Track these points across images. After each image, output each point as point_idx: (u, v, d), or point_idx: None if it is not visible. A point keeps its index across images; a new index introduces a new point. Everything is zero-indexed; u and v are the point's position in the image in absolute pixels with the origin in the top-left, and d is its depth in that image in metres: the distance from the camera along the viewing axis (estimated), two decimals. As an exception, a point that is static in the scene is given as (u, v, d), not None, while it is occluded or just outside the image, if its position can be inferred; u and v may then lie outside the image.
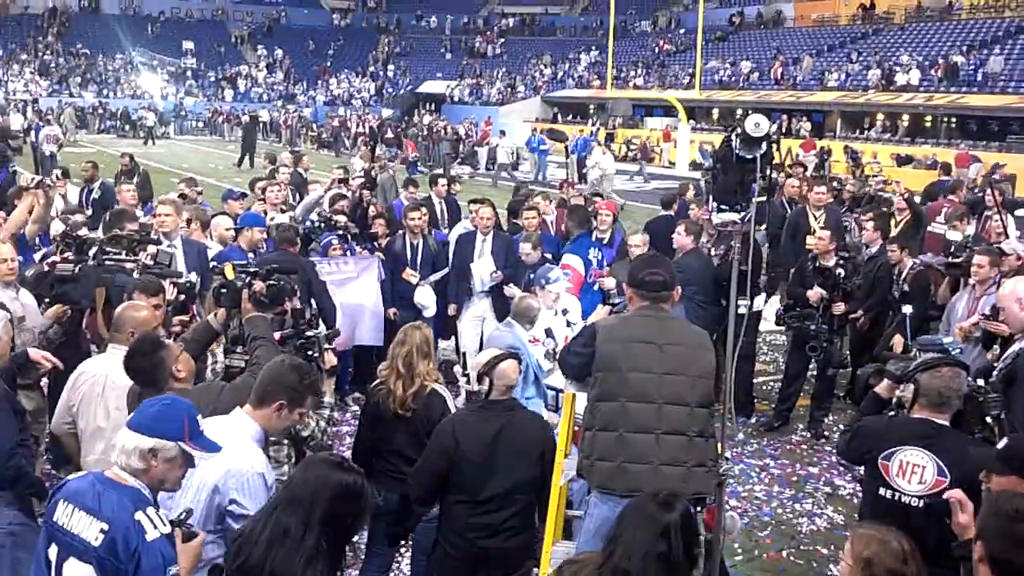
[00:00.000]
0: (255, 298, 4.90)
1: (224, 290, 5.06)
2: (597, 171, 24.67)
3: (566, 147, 29.94)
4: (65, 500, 3.38)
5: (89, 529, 3.26)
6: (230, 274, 5.19)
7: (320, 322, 7.87)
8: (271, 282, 5.05)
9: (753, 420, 9.36)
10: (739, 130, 4.45)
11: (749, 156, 4.47)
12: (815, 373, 9.25)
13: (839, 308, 8.65)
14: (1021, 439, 3.69)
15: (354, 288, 8.88)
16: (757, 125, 4.38)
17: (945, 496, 3.85)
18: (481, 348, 7.84)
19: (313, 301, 7.83)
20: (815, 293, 8.66)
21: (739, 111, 36.79)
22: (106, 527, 3.24)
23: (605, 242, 9.52)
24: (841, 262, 8.77)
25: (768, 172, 4.53)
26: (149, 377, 4.37)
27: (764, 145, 4.45)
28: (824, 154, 30.88)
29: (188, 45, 61.99)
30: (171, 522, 3.39)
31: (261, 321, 4.81)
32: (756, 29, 51.45)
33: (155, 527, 3.26)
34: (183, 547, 3.39)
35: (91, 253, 6.72)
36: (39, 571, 3.42)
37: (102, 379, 4.93)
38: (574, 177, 27.71)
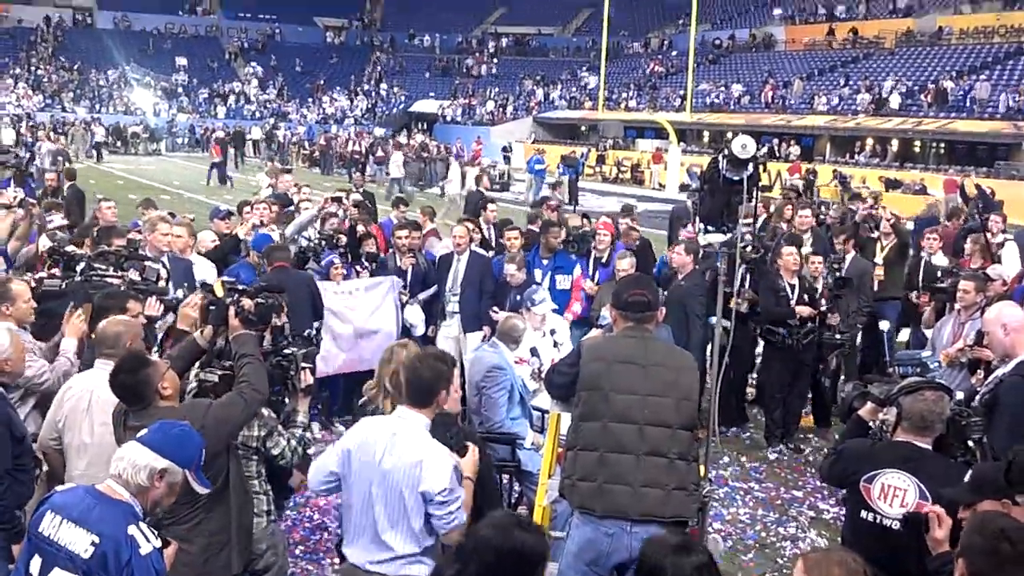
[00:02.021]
0: (243, 316, 4.89)
1: (212, 307, 5.05)
2: (456, 185, 24.54)
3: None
4: (52, 511, 3.40)
5: (78, 541, 3.29)
6: (219, 291, 5.17)
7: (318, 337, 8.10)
8: (259, 300, 5.03)
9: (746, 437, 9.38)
10: (726, 151, 4.49)
11: (736, 178, 4.51)
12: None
13: (835, 318, 8.70)
14: (983, 467, 3.71)
15: (373, 312, 9.05)
16: (744, 147, 4.41)
17: (924, 510, 3.87)
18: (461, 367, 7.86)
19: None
20: (805, 309, 8.70)
21: (729, 133, 36.98)
22: (97, 540, 3.27)
23: (603, 261, 9.65)
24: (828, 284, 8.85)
25: (755, 194, 4.55)
26: (134, 394, 4.36)
27: (751, 167, 4.48)
28: (811, 175, 31.05)
29: (181, 61, 62.09)
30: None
31: (249, 339, 4.79)
32: (747, 52, 51.79)
33: (148, 541, 3.32)
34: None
35: (79, 269, 6.73)
36: None
37: (87, 395, 4.91)
38: (565, 198, 27.79)
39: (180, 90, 60.00)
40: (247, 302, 4.96)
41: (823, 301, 8.83)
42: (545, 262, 9.61)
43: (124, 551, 3.25)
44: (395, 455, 4.04)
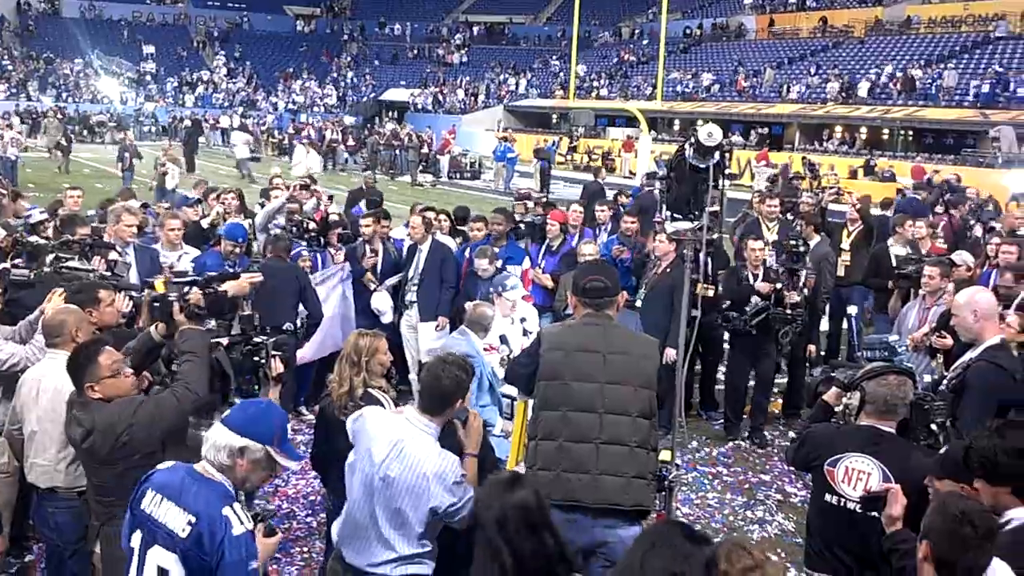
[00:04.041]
0: (189, 310, 4.80)
1: (156, 303, 4.95)
2: (302, 168, 24.29)
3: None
4: (153, 490, 3.50)
5: (177, 520, 3.39)
6: (160, 287, 5.08)
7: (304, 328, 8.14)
8: (210, 290, 4.92)
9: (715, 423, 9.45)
10: (692, 140, 4.50)
11: (702, 166, 4.52)
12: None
13: (793, 297, 8.71)
14: (959, 447, 3.75)
15: (331, 300, 9.10)
16: (710, 135, 4.43)
17: (882, 487, 3.92)
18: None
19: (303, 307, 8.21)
20: (765, 285, 8.73)
21: (699, 122, 37.09)
22: (193, 519, 3.37)
23: (553, 250, 9.73)
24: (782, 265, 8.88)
25: (721, 181, 4.57)
26: (75, 384, 4.39)
27: (717, 155, 4.49)
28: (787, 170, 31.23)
29: (149, 50, 61.39)
30: (254, 517, 3.54)
31: (192, 335, 4.68)
32: (718, 41, 51.95)
33: (241, 522, 3.41)
34: (263, 541, 3.56)
35: (48, 259, 6.67)
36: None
37: (36, 384, 4.96)
38: (537, 186, 27.77)
39: (148, 79, 59.34)
40: (195, 295, 4.85)
41: (779, 278, 8.78)
42: (497, 250, 9.58)
43: (219, 531, 3.34)
44: (403, 463, 3.99)
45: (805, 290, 8.78)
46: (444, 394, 4.19)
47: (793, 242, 9.02)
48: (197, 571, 3.36)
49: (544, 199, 13.50)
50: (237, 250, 8.30)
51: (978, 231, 12.78)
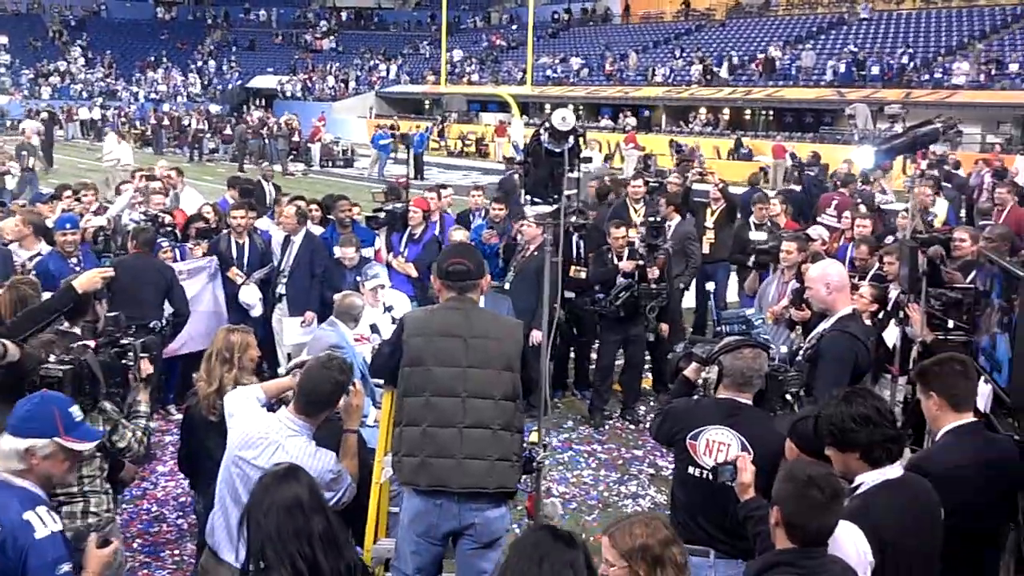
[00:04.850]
0: None
1: None
2: (113, 160, 23.23)
3: (406, 144, 29.55)
4: None
5: None
6: None
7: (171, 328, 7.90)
8: None
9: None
10: (547, 124, 4.54)
11: (558, 150, 4.57)
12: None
13: (654, 272, 8.84)
14: (808, 419, 3.89)
15: (204, 296, 8.91)
16: (564, 119, 4.48)
17: (734, 457, 4.06)
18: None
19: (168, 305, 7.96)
20: (628, 263, 8.84)
21: (570, 106, 37.49)
22: None
23: (416, 238, 9.66)
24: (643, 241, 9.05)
25: (576, 165, 4.62)
26: None
27: (571, 139, 4.55)
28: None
29: (2, 40, 58.46)
30: (87, 527, 3.53)
31: None
32: (585, 26, 52.53)
33: (44, 525, 3.29)
34: (95, 553, 3.44)
35: None
36: None
37: None
38: (411, 173, 27.53)
39: (2, 70, 56.53)
40: None
41: (640, 255, 8.91)
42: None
43: (21, 536, 3.23)
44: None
45: (656, 269, 8.93)
46: (322, 398, 4.26)
47: (652, 218, 9.20)
48: None
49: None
50: (70, 237, 7.93)
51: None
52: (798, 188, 15.24)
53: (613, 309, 8.71)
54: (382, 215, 9.83)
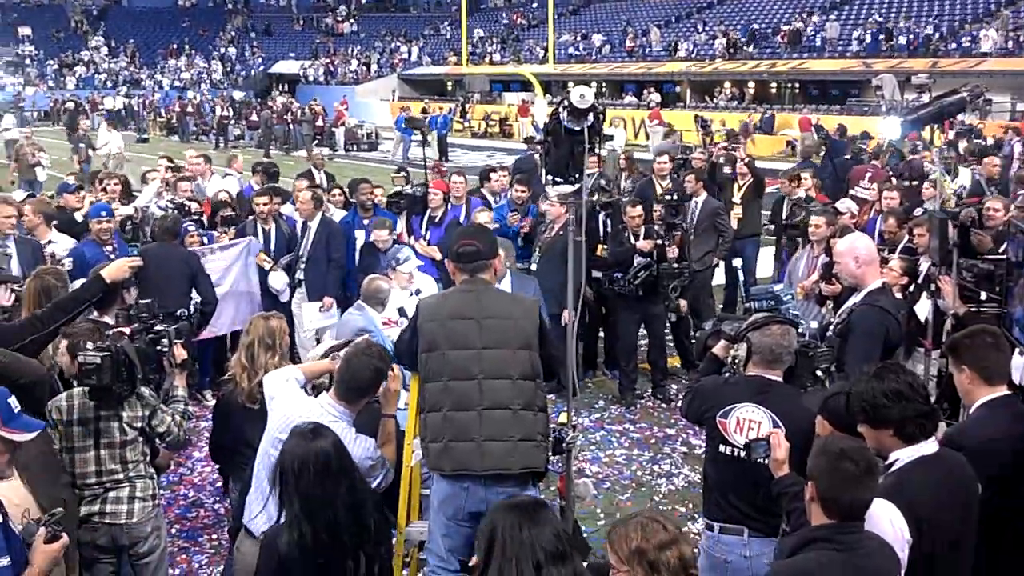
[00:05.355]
0: None
1: None
2: (106, 149, 23.12)
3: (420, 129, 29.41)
4: None
5: None
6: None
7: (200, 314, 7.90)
8: None
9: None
10: (566, 103, 4.50)
11: (577, 128, 4.53)
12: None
13: (674, 251, 8.78)
14: (840, 395, 3.85)
15: (232, 274, 8.95)
16: (582, 97, 4.44)
17: (766, 434, 4.03)
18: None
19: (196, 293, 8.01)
20: (647, 243, 8.77)
21: (592, 83, 37.32)
22: None
23: (436, 221, 9.66)
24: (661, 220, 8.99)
25: (596, 143, 4.58)
26: None
27: (591, 116, 4.51)
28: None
29: (25, 31, 58.91)
30: (36, 520, 3.38)
31: None
32: (606, 2, 52.14)
33: None
34: (42, 548, 3.38)
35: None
36: None
37: None
38: (436, 155, 27.60)
39: (27, 62, 56.98)
40: None
41: (658, 234, 8.85)
42: (366, 222, 9.53)
43: None
44: None
45: (675, 247, 8.85)
46: (362, 385, 4.29)
47: (669, 196, 9.12)
48: None
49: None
50: (104, 225, 8.06)
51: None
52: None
53: (631, 288, 8.68)
54: (401, 200, 9.85)
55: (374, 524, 3.77)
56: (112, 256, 7.46)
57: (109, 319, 5.55)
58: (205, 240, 9.14)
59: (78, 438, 4.61)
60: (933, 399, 5.22)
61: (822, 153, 15.43)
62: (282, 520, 3.66)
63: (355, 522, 3.66)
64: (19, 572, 3.29)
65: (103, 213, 8.19)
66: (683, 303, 9.10)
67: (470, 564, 3.29)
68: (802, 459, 3.78)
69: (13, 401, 3.43)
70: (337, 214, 9.95)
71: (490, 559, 3.13)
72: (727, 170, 11.33)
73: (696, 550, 3.97)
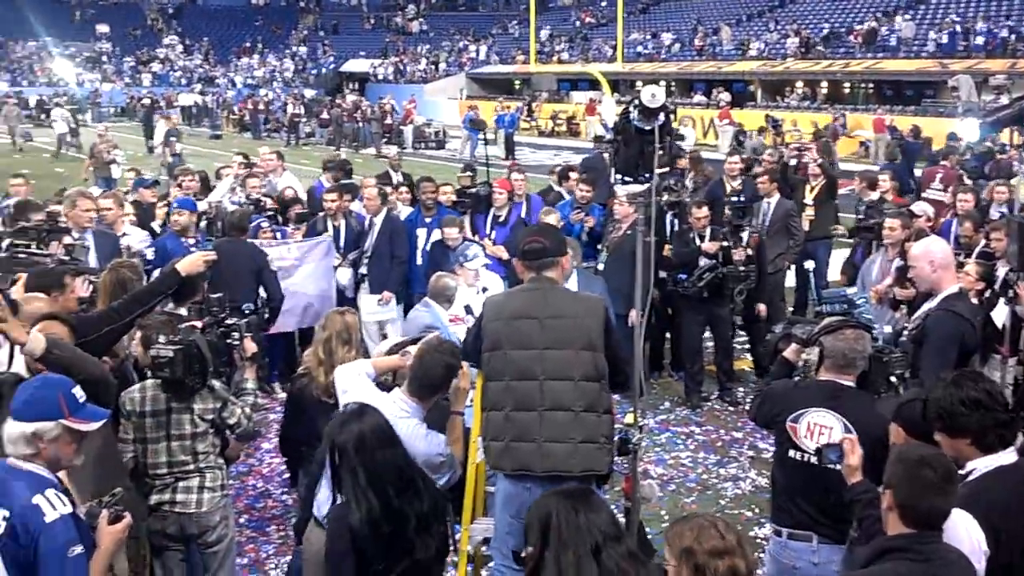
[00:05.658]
0: None
1: None
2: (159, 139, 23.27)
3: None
4: None
5: None
6: None
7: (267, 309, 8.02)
8: None
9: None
10: (636, 102, 4.47)
11: (647, 127, 4.49)
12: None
13: (740, 254, 8.70)
14: (915, 402, 3.77)
15: (306, 272, 9.05)
16: (653, 96, 4.40)
17: (838, 439, 3.96)
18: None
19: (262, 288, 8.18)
20: (712, 244, 8.70)
21: (662, 82, 37.07)
22: (7, 514, 3.25)
23: (501, 220, 9.68)
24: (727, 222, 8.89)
25: (667, 142, 4.55)
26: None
27: (662, 116, 4.47)
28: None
29: (103, 29, 60.42)
30: (100, 502, 3.45)
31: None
32: (676, 0, 51.71)
33: (54, 508, 3.27)
34: (106, 529, 3.46)
35: (3, 245, 6.58)
36: None
37: None
38: (502, 154, 27.64)
39: (104, 59, 58.40)
40: None
41: (725, 236, 8.78)
42: (428, 220, 9.59)
43: (31, 521, 3.23)
44: None
45: (748, 249, 8.74)
46: (434, 381, 4.35)
47: (735, 198, 9.01)
48: (19, 566, 3.26)
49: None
50: (185, 219, 8.24)
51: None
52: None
53: (696, 290, 8.59)
54: (466, 199, 9.89)
55: (430, 494, 3.85)
56: (192, 249, 7.61)
57: (184, 312, 5.65)
58: (278, 236, 9.28)
59: (150, 429, 4.72)
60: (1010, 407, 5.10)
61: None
62: (341, 500, 3.76)
63: (414, 493, 3.76)
64: (90, 557, 3.38)
65: (188, 208, 8.37)
66: (762, 307, 9.01)
67: (523, 555, 3.26)
68: (874, 466, 3.72)
69: (78, 391, 3.47)
70: (404, 211, 10.02)
71: (546, 546, 3.13)
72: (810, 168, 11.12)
73: (758, 560, 3.91)
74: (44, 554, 3.22)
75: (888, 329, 6.22)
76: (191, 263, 5.26)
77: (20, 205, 7.86)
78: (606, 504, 3.24)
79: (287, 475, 7.26)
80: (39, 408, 3.37)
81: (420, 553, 3.74)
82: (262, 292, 8.22)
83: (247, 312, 5.44)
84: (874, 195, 10.11)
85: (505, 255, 9.21)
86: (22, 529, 3.22)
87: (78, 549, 3.28)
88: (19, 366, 4.31)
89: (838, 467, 3.87)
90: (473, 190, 10.11)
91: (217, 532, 4.91)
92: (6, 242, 6.66)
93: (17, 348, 4.15)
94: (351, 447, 3.72)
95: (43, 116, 44.43)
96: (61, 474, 3.49)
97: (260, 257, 8.38)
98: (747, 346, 9.98)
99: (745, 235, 8.82)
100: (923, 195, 11.06)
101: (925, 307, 5.48)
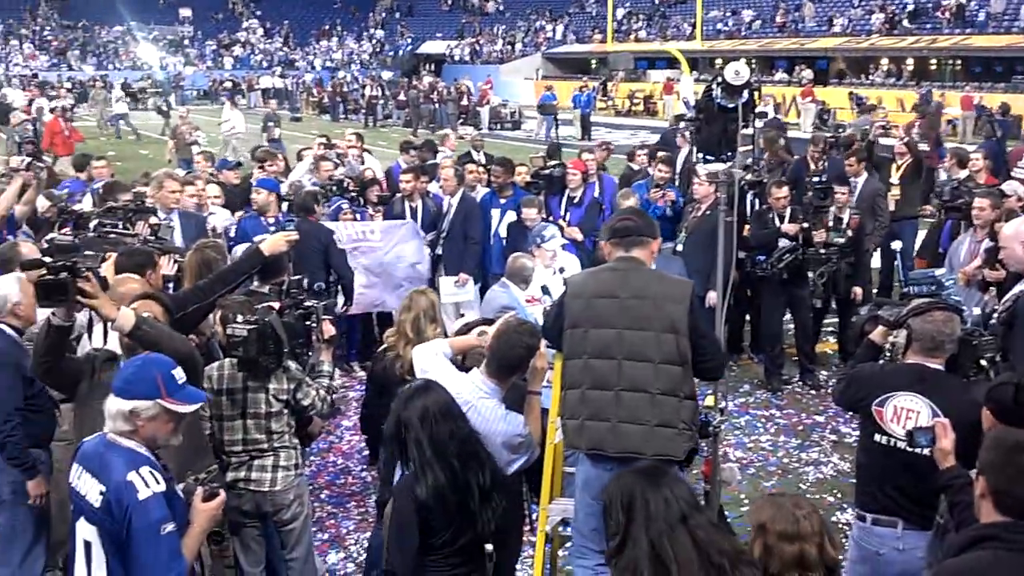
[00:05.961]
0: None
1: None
2: (228, 125, 23.08)
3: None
4: (77, 463, 3.50)
5: (92, 491, 3.37)
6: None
7: (339, 290, 8.13)
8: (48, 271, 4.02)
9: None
10: (720, 79, 4.41)
11: (731, 105, 4.43)
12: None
13: (821, 235, 8.54)
14: (1007, 386, 3.65)
15: (397, 253, 9.17)
16: (737, 73, 4.34)
17: (931, 423, 3.86)
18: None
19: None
20: (792, 226, 8.58)
21: (741, 60, 36.40)
22: (104, 488, 3.34)
23: (576, 201, 9.63)
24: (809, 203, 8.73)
25: (751, 120, 4.47)
26: None
27: (745, 93, 4.40)
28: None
29: (185, 13, 61.59)
30: (195, 480, 3.56)
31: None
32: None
33: (147, 486, 3.33)
34: (201, 506, 3.55)
35: (91, 225, 6.77)
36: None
37: None
38: (578, 134, 27.49)
39: (186, 42, 59.56)
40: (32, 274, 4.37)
41: (806, 218, 8.64)
42: (503, 202, 9.57)
43: (125, 498, 3.30)
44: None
45: (849, 231, 8.57)
46: (513, 362, 4.35)
47: (816, 179, 8.83)
48: (113, 541, 3.34)
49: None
50: (263, 198, 8.31)
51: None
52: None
53: (775, 272, 8.45)
54: (540, 180, 9.87)
55: (491, 468, 3.94)
56: (272, 229, 7.70)
57: (266, 290, 5.74)
58: (358, 217, 9.37)
59: (226, 407, 4.81)
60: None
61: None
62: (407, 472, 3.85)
63: (478, 465, 3.86)
64: (183, 534, 3.46)
65: (270, 188, 8.48)
66: (858, 290, 8.84)
67: (608, 539, 3.28)
68: (965, 451, 3.63)
69: (179, 372, 3.53)
70: (480, 191, 10.05)
71: (631, 522, 3.14)
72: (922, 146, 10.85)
73: (842, 544, 3.84)
74: (136, 531, 3.29)
75: (977, 311, 6.04)
76: (273, 243, 5.33)
77: (108, 186, 8.08)
78: (684, 479, 3.24)
79: (366, 452, 7.37)
80: (138, 387, 3.44)
81: (481, 527, 3.83)
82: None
83: (318, 290, 5.51)
84: (962, 173, 9.83)
85: (580, 236, 9.18)
86: (116, 505, 3.30)
87: (169, 527, 3.34)
88: (113, 343, 4.44)
89: (928, 451, 3.78)
90: (547, 171, 10.08)
91: (292, 511, 4.99)
92: (94, 222, 6.86)
93: (110, 325, 4.25)
94: (416, 419, 3.83)
95: (128, 99, 45.55)
96: None
97: (325, 235, 8.36)
98: (831, 329, 9.78)
99: (846, 216, 8.64)
100: (1012, 174, 10.69)
101: (1016, 289, 5.35)
